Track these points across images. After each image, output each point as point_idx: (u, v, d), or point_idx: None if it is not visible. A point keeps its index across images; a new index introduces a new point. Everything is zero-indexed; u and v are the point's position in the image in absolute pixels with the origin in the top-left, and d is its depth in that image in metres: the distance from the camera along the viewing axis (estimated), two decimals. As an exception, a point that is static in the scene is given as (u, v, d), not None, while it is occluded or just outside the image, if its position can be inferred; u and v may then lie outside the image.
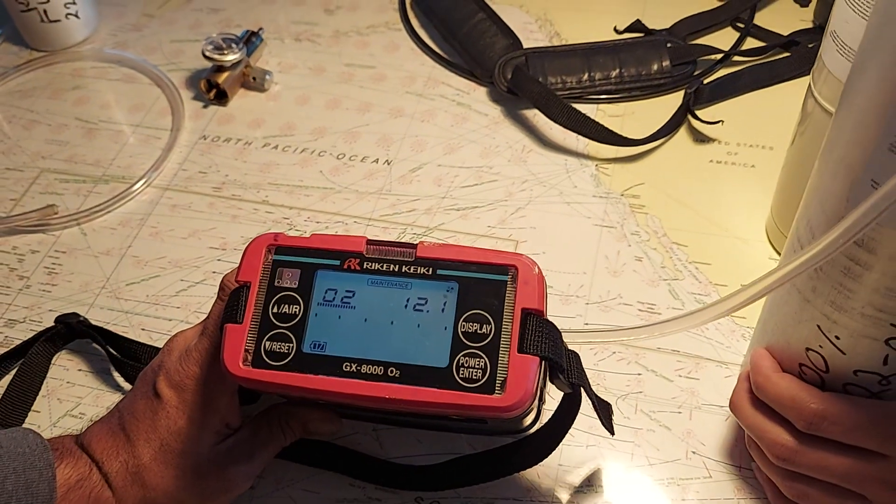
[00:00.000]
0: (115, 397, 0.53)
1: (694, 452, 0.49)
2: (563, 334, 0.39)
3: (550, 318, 0.38)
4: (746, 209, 0.61)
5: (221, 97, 0.71)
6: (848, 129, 0.34)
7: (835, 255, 0.33)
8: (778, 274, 0.35)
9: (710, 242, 0.59)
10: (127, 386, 0.54)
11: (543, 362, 0.37)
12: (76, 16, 0.76)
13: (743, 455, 0.48)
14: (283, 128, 0.70)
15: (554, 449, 0.45)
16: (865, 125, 0.33)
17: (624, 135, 0.64)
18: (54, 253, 0.62)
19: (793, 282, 0.37)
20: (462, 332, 0.37)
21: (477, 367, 0.36)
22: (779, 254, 0.58)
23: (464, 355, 0.37)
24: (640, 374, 0.52)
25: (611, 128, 0.64)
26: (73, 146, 0.69)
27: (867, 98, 0.33)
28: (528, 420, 0.46)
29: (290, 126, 0.70)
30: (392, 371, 0.37)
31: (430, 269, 0.38)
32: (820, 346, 0.39)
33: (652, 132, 0.65)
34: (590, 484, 0.48)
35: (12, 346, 0.55)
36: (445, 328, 0.37)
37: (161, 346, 0.46)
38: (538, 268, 0.38)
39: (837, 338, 0.38)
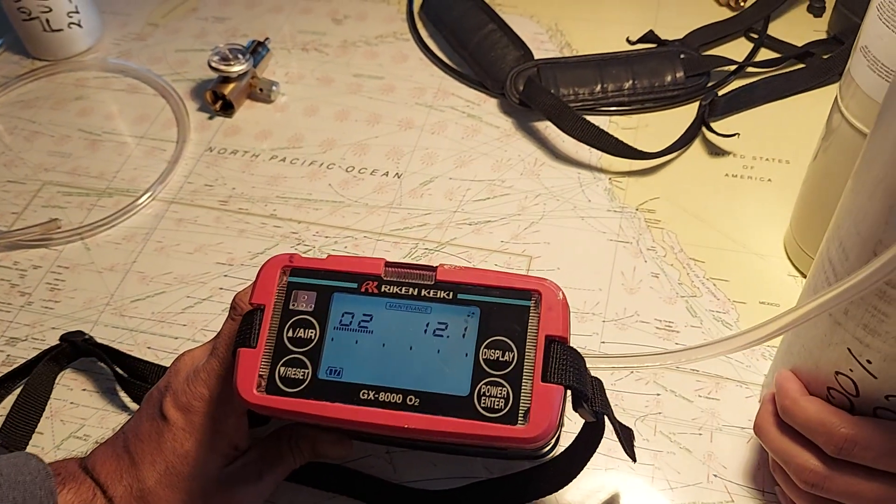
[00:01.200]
0: (121, 418, 0.52)
1: (715, 475, 0.48)
2: (586, 360, 0.38)
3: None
4: (764, 224, 0.60)
5: (227, 108, 0.70)
6: (888, 149, 0.33)
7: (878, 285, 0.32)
8: (815, 303, 0.34)
9: (728, 258, 0.58)
10: (133, 406, 0.52)
11: (567, 391, 0.36)
12: (79, 25, 0.75)
13: (766, 478, 0.47)
14: (291, 140, 0.68)
15: (575, 477, 0.44)
16: (906, 146, 0.32)
17: (638, 147, 0.63)
18: (57, 268, 0.60)
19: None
20: (483, 359, 0.36)
21: (499, 396, 0.35)
22: (798, 270, 0.57)
23: (485, 383, 0.35)
24: (658, 395, 0.51)
25: (624, 140, 0.63)
26: (76, 158, 0.68)
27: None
28: (549, 445, 0.45)
29: (298, 138, 0.68)
30: (411, 399, 0.35)
31: (451, 294, 0.37)
32: (850, 370, 0.38)
33: (666, 145, 0.64)
34: (609, 509, 0.47)
35: (15, 366, 0.53)
36: (466, 354, 0.36)
37: (168, 366, 0.45)
38: (562, 293, 0.37)
39: (869, 361, 0.37)
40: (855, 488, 0.39)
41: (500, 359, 0.36)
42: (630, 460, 0.45)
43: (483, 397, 0.35)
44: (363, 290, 0.37)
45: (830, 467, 0.39)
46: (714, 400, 0.51)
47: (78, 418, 0.52)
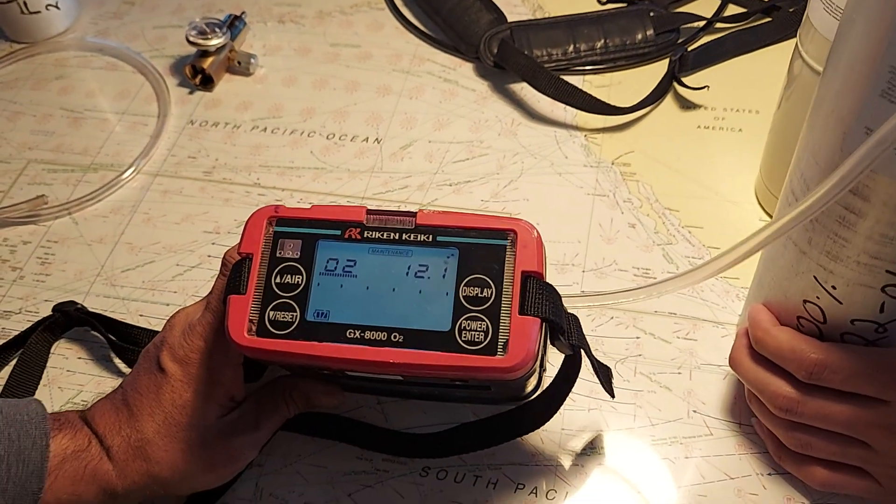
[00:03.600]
0: (116, 383, 0.52)
1: (695, 411, 0.49)
2: (564, 301, 0.39)
3: (548, 283, 0.38)
4: (735, 172, 0.61)
5: (207, 82, 0.71)
6: (839, 81, 0.35)
7: (830, 205, 0.34)
8: (775, 226, 0.36)
9: (702, 206, 0.59)
10: (128, 371, 0.54)
11: (544, 324, 0.37)
12: (56, 6, 0.76)
13: (742, 411, 0.49)
14: (271, 110, 0.69)
15: (556, 412, 0.45)
16: (856, 74, 0.33)
17: (612, 104, 0.65)
18: (46, 243, 0.61)
19: (788, 235, 0.38)
20: (463, 296, 0.37)
21: (479, 329, 0.37)
22: (768, 214, 0.59)
23: (465, 319, 0.37)
24: (638, 338, 0.53)
25: (598, 97, 0.65)
26: (59, 136, 0.69)
27: (856, 48, 0.33)
28: (530, 386, 0.47)
29: (278, 108, 0.69)
30: (395, 336, 0.37)
31: (430, 237, 0.38)
32: (817, 298, 0.40)
33: (639, 100, 0.65)
34: (593, 446, 0.48)
35: (10, 338, 0.54)
36: (447, 293, 0.37)
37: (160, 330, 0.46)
38: (537, 231, 0.38)
39: (834, 288, 0.39)
40: (826, 411, 0.40)
41: (479, 295, 0.37)
42: (609, 397, 0.47)
43: (464, 331, 0.36)
44: (346, 236, 0.39)
45: (803, 392, 0.41)
46: (692, 340, 0.52)
47: (75, 385, 0.53)
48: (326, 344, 0.37)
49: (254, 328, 0.38)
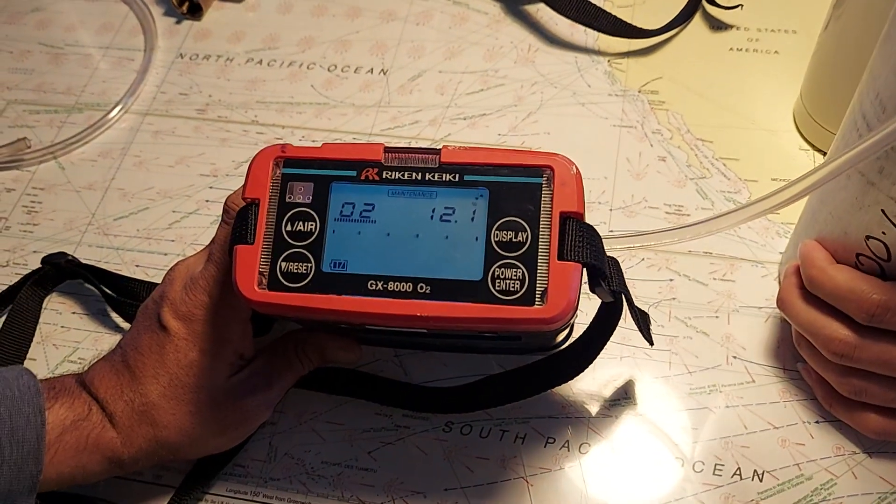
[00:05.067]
0: (115, 339, 0.50)
1: (734, 357, 0.46)
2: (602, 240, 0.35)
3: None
4: (772, 98, 0.57)
5: (195, 11, 0.66)
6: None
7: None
8: (847, 155, 0.32)
9: (737, 136, 0.55)
10: (127, 326, 0.50)
11: (584, 269, 0.34)
12: (28, -69, 0.70)
13: (786, 356, 0.46)
14: (267, 40, 0.64)
15: (592, 361, 0.42)
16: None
17: (637, 25, 0.60)
18: (32, 190, 0.57)
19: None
20: (496, 241, 0.34)
21: (514, 277, 0.33)
22: (809, 143, 0.54)
23: (499, 266, 0.33)
24: (672, 280, 0.49)
25: (622, 18, 0.60)
26: (39, 74, 0.64)
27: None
28: (562, 336, 0.43)
29: (275, 38, 0.64)
30: (422, 287, 0.33)
31: (457, 176, 0.34)
32: (882, 233, 0.37)
33: (666, 21, 0.60)
34: (627, 396, 0.45)
35: (-2, 292, 0.51)
36: (476, 238, 0.34)
37: (158, 282, 0.42)
38: (576, 167, 0.34)
39: (904, 222, 0.35)
40: (888, 356, 0.38)
41: (514, 240, 0.33)
42: (647, 344, 0.43)
43: (497, 280, 0.33)
44: (363, 177, 0.35)
45: (862, 336, 0.38)
46: (729, 282, 0.49)
47: (71, 342, 0.50)
48: (346, 297, 0.33)
49: (265, 281, 0.34)
